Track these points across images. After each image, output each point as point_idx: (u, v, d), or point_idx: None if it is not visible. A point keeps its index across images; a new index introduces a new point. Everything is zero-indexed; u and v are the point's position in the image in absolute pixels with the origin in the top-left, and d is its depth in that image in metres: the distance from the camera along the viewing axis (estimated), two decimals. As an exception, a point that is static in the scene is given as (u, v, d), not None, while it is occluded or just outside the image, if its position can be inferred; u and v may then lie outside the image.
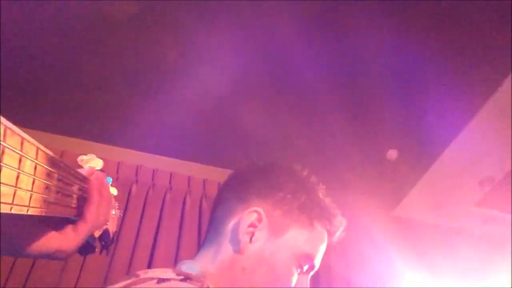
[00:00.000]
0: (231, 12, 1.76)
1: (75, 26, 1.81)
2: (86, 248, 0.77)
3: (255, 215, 0.96)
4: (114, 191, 0.86)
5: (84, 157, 0.68)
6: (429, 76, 2.02)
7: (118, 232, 0.90)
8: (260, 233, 0.95)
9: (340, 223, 1.04)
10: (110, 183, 0.81)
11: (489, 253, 2.56)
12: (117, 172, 2.28)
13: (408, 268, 2.32)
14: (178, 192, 2.34)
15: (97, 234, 0.79)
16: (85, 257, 1.90)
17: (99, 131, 2.35)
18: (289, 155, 2.33)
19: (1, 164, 0.41)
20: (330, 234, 1.02)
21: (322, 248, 1.00)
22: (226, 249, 0.96)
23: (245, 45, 1.90)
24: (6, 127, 0.43)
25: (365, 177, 2.49)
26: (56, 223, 0.64)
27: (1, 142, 0.42)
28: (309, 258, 0.97)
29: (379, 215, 2.54)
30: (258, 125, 2.22)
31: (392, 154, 2.40)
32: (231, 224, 0.99)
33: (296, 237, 0.97)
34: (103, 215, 0.72)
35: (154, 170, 2.37)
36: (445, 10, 1.74)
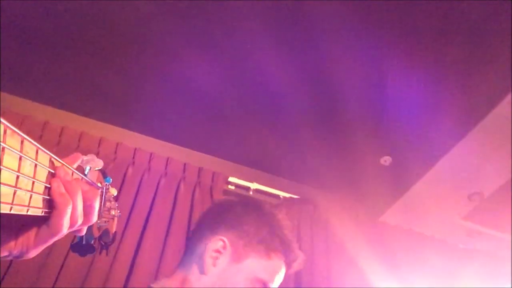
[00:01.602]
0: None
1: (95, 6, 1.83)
2: (85, 248, 0.76)
3: (220, 243, 1.17)
4: (113, 191, 0.86)
5: (84, 157, 0.68)
6: (429, 90, 2.05)
7: (118, 233, 0.91)
8: (223, 258, 1.15)
9: (297, 257, 1.23)
10: (110, 183, 0.81)
11: (471, 267, 2.60)
12: (115, 152, 2.30)
13: (384, 274, 2.37)
14: (173, 177, 2.37)
15: (96, 234, 0.78)
16: (68, 249, 1.89)
17: (99, 109, 2.36)
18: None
19: (1, 166, 0.42)
20: (287, 265, 1.20)
21: (278, 277, 1.18)
22: (193, 269, 1.16)
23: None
24: (6, 127, 0.44)
25: (356, 182, 2.53)
26: (23, 218, 0.58)
27: (1, 143, 0.42)
28: (263, 283, 1.15)
29: (366, 220, 2.58)
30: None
31: (386, 160, 2.44)
32: (200, 248, 1.19)
33: (254, 264, 1.15)
34: (77, 217, 0.61)
35: (151, 154, 2.38)
36: (439, 21, 1.75)
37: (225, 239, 1.17)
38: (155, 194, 2.28)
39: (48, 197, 0.54)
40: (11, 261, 1.83)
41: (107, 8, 1.82)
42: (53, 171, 0.56)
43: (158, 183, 2.32)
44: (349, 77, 1.99)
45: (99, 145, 2.29)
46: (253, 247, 1.17)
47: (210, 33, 1.87)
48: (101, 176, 0.76)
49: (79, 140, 2.26)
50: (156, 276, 2.04)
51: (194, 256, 1.20)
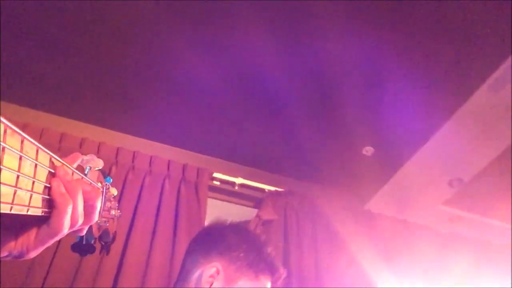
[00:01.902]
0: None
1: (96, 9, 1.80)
2: (85, 248, 0.76)
3: (214, 269, 1.33)
4: (114, 191, 0.86)
5: (84, 157, 0.67)
6: (407, 78, 2.08)
7: (116, 232, 0.91)
8: (217, 282, 1.31)
9: (281, 274, 1.42)
10: (110, 183, 0.81)
11: (453, 252, 2.68)
12: (98, 152, 2.28)
13: (371, 260, 2.42)
14: (158, 175, 2.36)
15: (96, 234, 0.78)
16: (56, 248, 1.89)
17: (80, 110, 2.33)
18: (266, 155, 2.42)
19: (1, 166, 0.42)
20: (273, 283, 1.39)
21: None
22: None
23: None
24: (6, 126, 0.44)
25: (340, 172, 2.56)
26: (22, 218, 0.57)
27: (1, 143, 0.42)
28: None
29: (351, 208, 2.62)
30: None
31: (368, 150, 2.48)
32: (196, 274, 1.36)
33: (244, 286, 1.33)
34: (78, 217, 0.61)
35: (134, 153, 2.36)
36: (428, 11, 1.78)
37: (218, 265, 1.34)
38: (140, 192, 2.26)
39: (48, 197, 0.54)
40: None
41: (107, 10, 1.80)
42: (53, 171, 0.56)
43: (143, 182, 2.30)
44: (339, 74, 2.01)
45: (80, 146, 2.26)
46: (243, 271, 1.35)
47: (207, 37, 1.87)
48: (101, 176, 0.75)
49: (80, 146, 2.24)
50: (144, 274, 2.04)
51: (190, 281, 1.37)
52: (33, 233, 0.58)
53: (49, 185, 0.54)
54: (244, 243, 1.41)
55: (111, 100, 2.27)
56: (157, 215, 2.23)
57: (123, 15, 1.82)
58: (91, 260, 1.95)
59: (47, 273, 1.89)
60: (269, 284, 1.39)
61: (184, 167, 2.42)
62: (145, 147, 2.43)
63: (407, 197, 2.70)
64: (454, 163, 2.52)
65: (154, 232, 2.17)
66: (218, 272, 1.33)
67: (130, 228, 2.14)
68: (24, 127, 2.13)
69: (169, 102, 2.25)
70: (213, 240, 1.44)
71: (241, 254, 1.37)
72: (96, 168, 0.71)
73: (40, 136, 2.19)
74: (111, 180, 0.81)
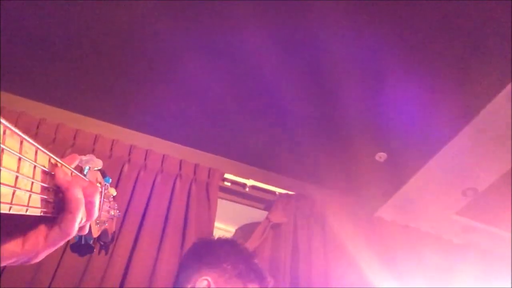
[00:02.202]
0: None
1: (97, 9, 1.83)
2: (84, 248, 0.77)
3: (205, 282, 1.42)
4: (113, 191, 0.87)
5: (83, 157, 0.68)
6: (423, 84, 2.06)
7: (117, 232, 0.92)
8: None
9: (268, 283, 1.51)
10: (109, 183, 0.81)
11: (465, 263, 2.63)
12: (111, 150, 2.31)
13: (380, 269, 2.39)
14: (169, 174, 2.37)
15: (96, 234, 0.78)
16: (64, 249, 1.89)
17: (95, 107, 2.36)
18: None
19: (1, 167, 0.42)
20: None
21: None
22: None
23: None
24: (5, 127, 0.44)
25: (352, 177, 2.54)
26: (27, 223, 0.57)
27: (1, 145, 0.42)
28: None
29: (361, 215, 2.60)
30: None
31: (381, 156, 2.45)
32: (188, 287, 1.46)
33: None
34: (84, 224, 0.63)
35: (147, 151, 2.38)
36: (436, 20, 1.77)
37: (209, 278, 1.43)
38: (151, 191, 2.28)
39: (46, 197, 0.54)
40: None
41: (105, 7, 1.82)
42: (52, 173, 0.56)
43: (154, 180, 2.32)
44: (346, 75, 2.00)
45: (94, 143, 2.29)
46: (233, 282, 1.44)
47: (208, 31, 1.88)
48: (100, 176, 0.76)
49: (74, 138, 2.26)
50: (152, 273, 2.05)
51: None
52: (41, 236, 0.57)
53: (47, 185, 0.54)
54: (232, 255, 1.51)
55: (124, 99, 2.30)
56: (167, 214, 2.24)
57: (122, 15, 1.84)
58: (98, 259, 1.97)
59: (54, 273, 1.91)
60: None
61: (195, 167, 2.43)
62: (158, 145, 2.45)
63: (419, 205, 2.67)
64: (468, 173, 2.47)
65: (163, 231, 2.18)
66: (209, 284, 1.42)
67: (140, 226, 2.15)
68: (19, 116, 2.18)
69: (182, 102, 2.27)
70: (203, 254, 1.54)
71: (230, 266, 1.47)
72: (95, 168, 0.71)
73: (55, 133, 2.22)
74: (110, 180, 0.81)
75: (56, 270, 1.91)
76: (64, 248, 1.91)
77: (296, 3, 1.73)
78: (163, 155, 2.40)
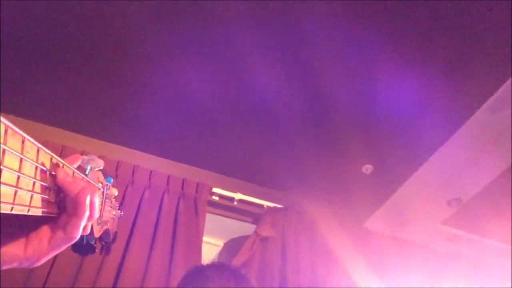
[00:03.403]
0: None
1: (72, 21, 1.83)
2: (86, 248, 0.76)
3: None
4: (114, 191, 0.87)
5: (85, 157, 0.67)
6: (410, 99, 2.10)
7: (117, 232, 0.92)
8: None
9: None
10: (111, 183, 0.81)
11: (450, 272, 2.66)
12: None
13: (369, 279, 2.40)
14: (157, 189, 2.36)
15: (97, 234, 0.78)
16: (55, 256, 1.89)
17: (81, 122, 2.35)
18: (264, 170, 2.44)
19: (2, 166, 0.42)
20: None
21: None
22: None
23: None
24: (7, 127, 0.44)
25: (339, 189, 2.57)
26: (29, 225, 0.57)
27: (2, 145, 0.42)
28: None
29: (349, 226, 2.62)
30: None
31: (368, 169, 2.48)
32: None
33: None
34: (89, 227, 0.63)
35: (134, 166, 2.38)
36: (427, 22, 1.78)
37: None
38: (139, 206, 2.26)
39: (47, 197, 0.54)
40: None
41: (98, 23, 1.83)
42: (53, 173, 0.57)
43: (142, 196, 2.31)
44: (334, 87, 2.03)
45: (81, 158, 2.28)
46: None
47: (194, 44, 1.90)
48: (102, 176, 0.76)
49: (60, 154, 2.24)
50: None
51: None
52: (45, 240, 0.57)
53: (49, 185, 0.55)
54: (220, 277, 1.55)
55: (111, 114, 2.29)
56: (155, 229, 2.23)
57: (122, 33, 1.86)
58: (87, 271, 1.95)
59: (48, 273, 1.90)
60: None
61: (183, 182, 2.43)
62: (145, 161, 2.44)
63: (406, 216, 2.70)
64: (453, 183, 2.52)
65: (151, 247, 2.16)
66: None
67: (128, 242, 2.13)
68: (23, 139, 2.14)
69: (168, 117, 2.27)
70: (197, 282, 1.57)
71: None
72: (97, 168, 0.71)
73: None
74: (112, 180, 0.81)
75: (50, 270, 1.91)
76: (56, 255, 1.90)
77: (285, 3, 1.72)
78: (151, 171, 2.40)
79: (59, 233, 0.57)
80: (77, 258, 1.98)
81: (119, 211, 0.96)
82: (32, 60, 2.01)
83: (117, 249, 2.08)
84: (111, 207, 0.88)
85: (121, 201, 2.23)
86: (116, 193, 0.87)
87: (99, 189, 0.72)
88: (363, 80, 2.02)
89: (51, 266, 1.92)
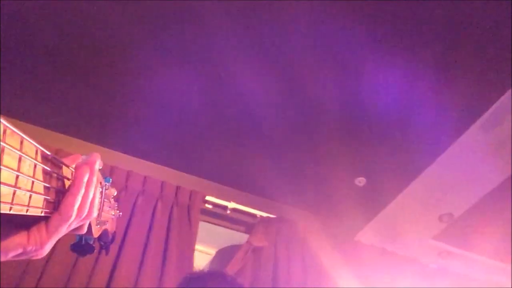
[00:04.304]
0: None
1: (70, 24, 1.85)
2: (85, 248, 0.77)
3: None
4: (113, 191, 0.87)
5: (84, 157, 0.67)
6: (402, 111, 2.13)
7: (115, 232, 0.92)
8: None
9: None
10: (109, 183, 0.81)
11: (441, 286, 2.67)
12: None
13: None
14: (150, 196, 2.35)
15: (96, 234, 0.78)
16: (48, 259, 1.89)
17: (75, 126, 2.35)
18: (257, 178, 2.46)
19: (1, 166, 0.42)
20: None
21: None
22: None
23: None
24: (6, 127, 0.44)
25: (332, 201, 2.58)
26: (27, 221, 0.58)
27: (1, 143, 0.42)
28: None
29: (341, 238, 2.63)
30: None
31: (361, 181, 2.50)
32: None
33: None
34: (86, 208, 0.63)
35: (128, 172, 2.37)
36: (418, 25, 1.77)
37: None
38: (132, 212, 2.26)
39: (48, 197, 0.55)
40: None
41: (91, 30, 1.85)
42: (53, 171, 0.57)
43: (135, 202, 2.30)
44: (326, 96, 2.05)
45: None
46: None
47: (186, 50, 1.91)
48: (100, 176, 0.76)
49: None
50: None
51: None
52: (43, 227, 0.59)
53: (48, 185, 0.55)
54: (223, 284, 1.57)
55: (105, 119, 2.30)
56: (148, 236, 2.22)
57: (115, 42, 1.88)
58: (81, 271, 1.95)
59: (40, 276, 1.89)
60: None
61: (177, 189, 2.43)
62: (139, 166, 2.44)
63: (397, 229, 2.71)
64: (445, 198, 2.54)
65: (144, 253, 2.15)
66: None
67: (120, 247, 2.12)
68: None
69: (163, 123, 2.28)
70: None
71: None
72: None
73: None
74: (111, 180, 0.81)
75: (42, 272, 1.90)
76: (51, 252, 1.89)
77: (268, 3, 1.72)
78: (145, 177, 2.39)
79: (55, 215, 0.59)
80: (69, 261, 1.97)
81: (118, 211, 0.96)
82: (28, 64, 2.01)
83: (109, 254, 2.06)
84: (109, 207, 0.88)
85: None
86: (115, 193, 0.87)
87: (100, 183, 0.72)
88: (355, 93, 2.04)
89: (42, 272, 1.90)
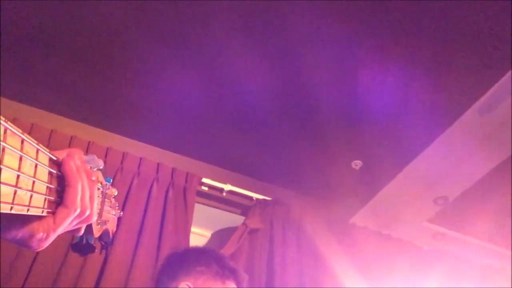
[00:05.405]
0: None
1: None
2: (85, 248, 0.76)
3: (186, 287, 1.51)
4: (114, 191, 0.86)
5: (84, 156, 0.67)
6: (399, 96, 2.12)
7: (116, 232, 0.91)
8: None
9: (243, 278, 1.62)
10: (110, 183, 0.81)
11: (434, 269, 2.70)
12: (87, 152, 2.27)
13: (354, 274, 2.44)
14: (146, 177, 2.34)
15: (97, 234, 0.77)
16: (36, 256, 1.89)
17: (70, 108, 2.32)
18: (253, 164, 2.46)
19: (2, 165, 0.42)
20: (237, 285, 1.59)
21: None
22: None
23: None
24: (6, 127, 0.44)
25: (328, 184, 2.58)
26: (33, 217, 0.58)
27: (2, 143, 0.42)
28: None
29: (336, 221, 2.64)
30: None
31: (357, 164, 2.50)
32: None
33: None
34: (87, 197, 0.64)
35: (123, 153, 2.35)
36: (410, 23, 1.79)
37: (188, 283, 1.52)
38: (128, 194, 2.25)
39: (50, 197, 0.54)
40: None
41: (96, 18, 1.82)
42: (54, 171, 0.56)
43: (131, 183, 2.29)
44: (322, 81, 2.04)
45: (70, 144, 2.25)
46: (210, 281, 1.54)
47: (186, 39, 1.88)
48: (101, 176, 0.75)
49: (49, 139, 2.21)
50: (127, 278, 2.03)
51: None
52: (50, 218, 0.60)
53: (51, 185, 0.54)
54: (203, 258, 1.60)
55: (101, 101, 2.27)
56: (143, 218, 2.22)
57: (109, 25, 1.84)
58: (73, 259, 1.95)
59: (28, 273, 1.87)
60: (235, 286, 1.59)
61: (173, 171, 2.42)
62: (135, 148, 2.42)
63: (392, 212, 2.73)
64: (440, 182, 2.55)
65: (139, 235, 2.16)
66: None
67: (116, 229, 2.12)
68: (12, 122, 2.11)
69: (159, 105, 2.26)
70: (177, 264, 1.62)
71: (203, 268, 1.56)
72: (96, 168, 0.71)
73: (30, 132, 2.17)
74: (111, 180, 0.81)
75: (30, 270, 1.88)
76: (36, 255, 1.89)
77: (272, 5, 1.73)
78: (140, 158, 2.38)
79: (61, 209, 0.61)
80: (64, 243, 1.97)
81: (119, 211, 0.95)
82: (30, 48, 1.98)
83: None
84: (110, 207, 0.87)
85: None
86: (116, 193, 0.86)
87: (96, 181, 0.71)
88: (351, 79, 2.04)
89: (31, 266, 1.90)
